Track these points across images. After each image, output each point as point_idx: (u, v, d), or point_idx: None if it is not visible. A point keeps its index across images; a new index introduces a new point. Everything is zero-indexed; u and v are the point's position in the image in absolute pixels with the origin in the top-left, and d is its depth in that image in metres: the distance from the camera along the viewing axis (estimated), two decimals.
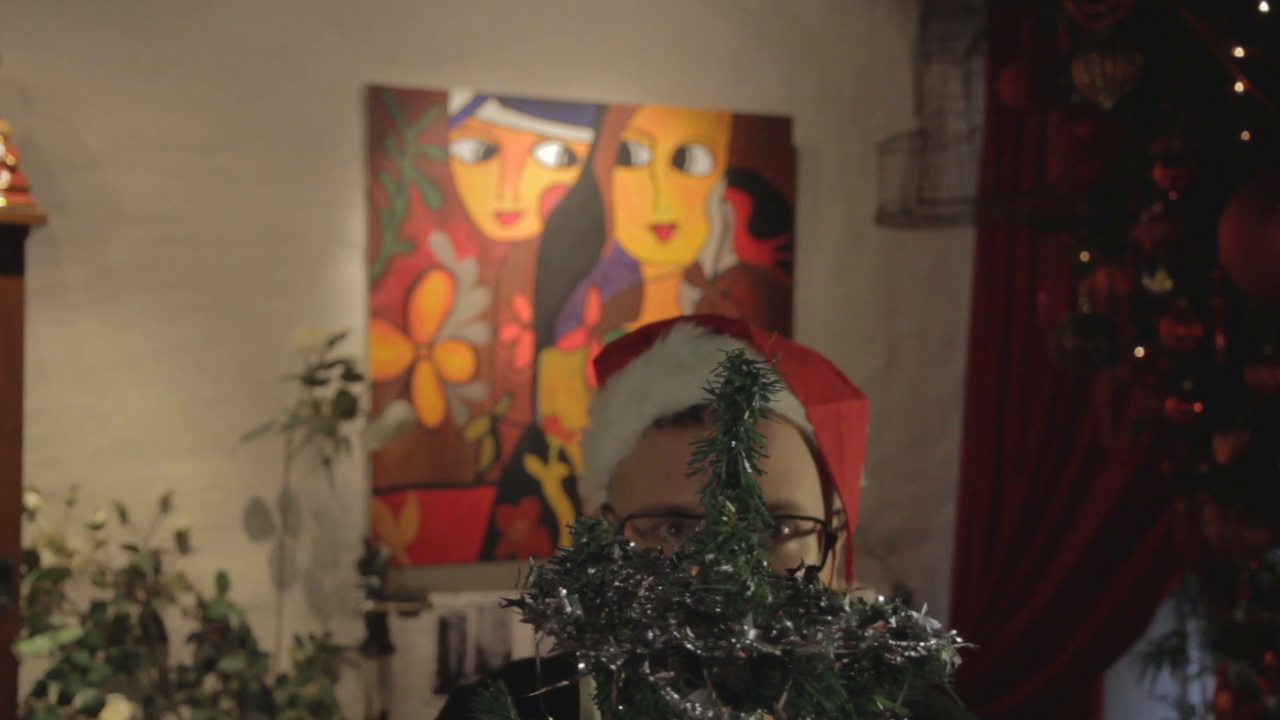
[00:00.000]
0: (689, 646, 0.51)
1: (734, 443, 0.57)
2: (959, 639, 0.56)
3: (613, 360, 1.07)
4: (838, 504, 1.02)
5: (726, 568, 0.55)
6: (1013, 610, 3.56)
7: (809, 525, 0.98)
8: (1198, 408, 2.47)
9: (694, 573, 0.56)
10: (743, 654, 0.51)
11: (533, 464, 3.32)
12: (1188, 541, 2.67)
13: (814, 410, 0.99)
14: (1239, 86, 2.16)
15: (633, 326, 2.76)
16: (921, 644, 0.54)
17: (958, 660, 0.55)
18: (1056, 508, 3.49)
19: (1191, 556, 2.73)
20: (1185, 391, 2.49)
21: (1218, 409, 2.46)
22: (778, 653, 0.51)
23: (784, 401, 0.98)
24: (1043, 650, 3.51)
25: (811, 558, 0.98)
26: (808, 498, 0.98)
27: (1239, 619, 2.61)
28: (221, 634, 2.89)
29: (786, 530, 0.97)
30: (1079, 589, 3.43)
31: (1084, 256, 2.75)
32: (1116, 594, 3.37)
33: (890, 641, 0.53)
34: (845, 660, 0.53)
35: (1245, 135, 2.30)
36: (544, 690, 0.75)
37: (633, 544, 0.61)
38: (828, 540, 0.99)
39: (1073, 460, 3.48)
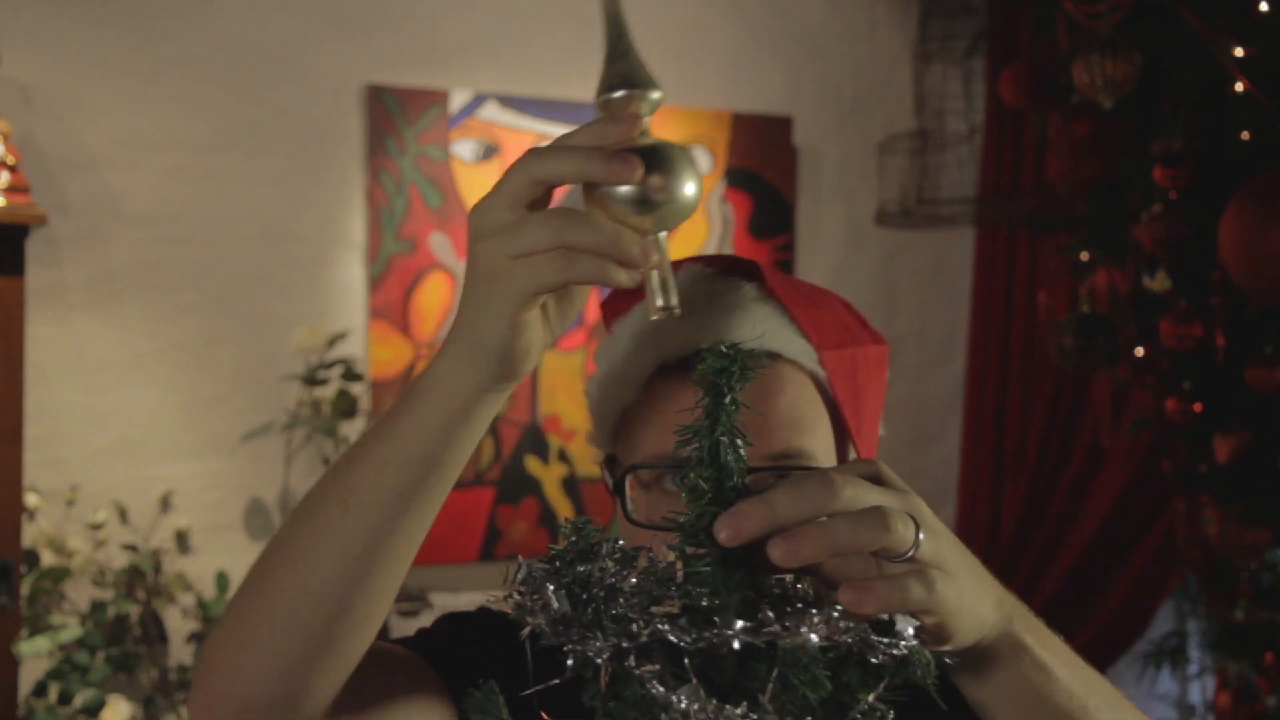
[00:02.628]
0: (672, 638, 0.51)
1: (716, 428, 0.57)
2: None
3: (620, 304, 1.01)
4: (853, 454, 0.97)
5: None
6: None
7: None
8: (1198, 408, 2.47)
9: (676, 564, 0.56)
10: (724, 645, 0.51)
11: (532, 464, 3.32)
12: (1188, 541, 2.67)
13: (827, 355, 0.94)
14: (1239, 86, 2.16)
15: None
16: (903, 641, 0.53)
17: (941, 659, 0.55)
18: (1056, 508, 3.48)
19: (1191, 556, 2.73)
20: (1185, 391, 2.49)
21: (1218, 409, 2.46)
22: (761, 644, 0.51)
23: (793, 345, 0.93)
24: None
25: None
26: (820, 446, 0.92)
27: (1239, 619, 2.60)
28: None
29: None
30: (1079, 589, 3.43)
31: (1084, 256, 2.75)
32: (1116, 594, 3.37)
33: (872, 638, 0.53)
34: (830, 655, 0.53)
35: (1245, 135, 2.30)
36: (537, 689, 0.74)
37: (621, 542, 0.61)
38: None
39: (1073, 460, 3.47)
